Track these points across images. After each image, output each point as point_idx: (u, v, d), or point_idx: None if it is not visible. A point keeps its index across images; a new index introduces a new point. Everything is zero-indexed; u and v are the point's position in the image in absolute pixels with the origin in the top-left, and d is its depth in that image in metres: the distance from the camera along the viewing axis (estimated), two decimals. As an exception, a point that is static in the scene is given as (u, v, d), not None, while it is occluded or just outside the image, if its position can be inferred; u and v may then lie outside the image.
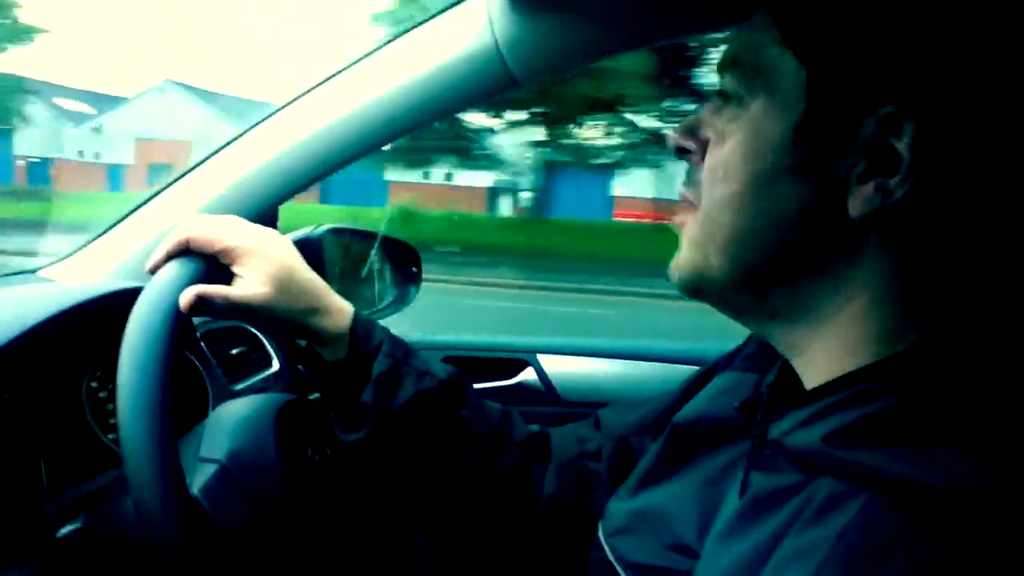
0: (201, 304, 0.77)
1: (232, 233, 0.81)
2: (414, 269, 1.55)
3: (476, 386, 1.49)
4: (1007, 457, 0.51)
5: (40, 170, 28.68)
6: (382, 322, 1.42)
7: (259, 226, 0.85)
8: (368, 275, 1.52)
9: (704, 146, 0.66)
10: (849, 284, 0.59)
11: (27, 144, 28.03)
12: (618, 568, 0.72)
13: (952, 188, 0.56)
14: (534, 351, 1.49)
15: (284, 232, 1.39)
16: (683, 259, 0.66)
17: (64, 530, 0.76)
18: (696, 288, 0.66)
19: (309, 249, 1.40)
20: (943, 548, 0.47)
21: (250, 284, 0.80)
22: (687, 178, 0.68)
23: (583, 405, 1.39)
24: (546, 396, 1.49)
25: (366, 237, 1.51)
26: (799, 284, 0.61)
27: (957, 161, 0.55)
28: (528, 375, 1.50)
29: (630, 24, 0.96)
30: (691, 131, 0.68)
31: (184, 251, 0.80)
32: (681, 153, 0.68)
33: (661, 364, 1.46)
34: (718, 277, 0.64)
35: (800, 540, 0.52)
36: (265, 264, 0.81)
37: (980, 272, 0.59)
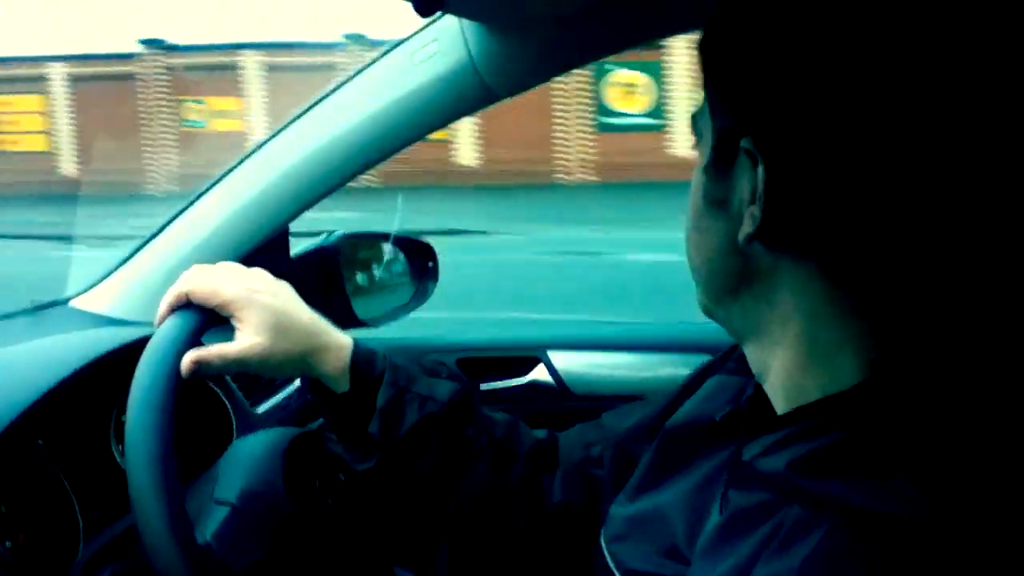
0: (200, 368, 0.81)
1: (227, 285, 0.85)
2: (431, 264, 1.58)
3: (488, 386, 1.54)
4: (955, 485, 0.53)
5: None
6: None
7: (255, 271, 0.88)
8: (385, 276, 1.56)
9: None
10: (780, 306, 0.63)
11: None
12: (617, 574, 0.75)
13: (809, 207, 0.59)
14: (545, 346, 1.52)
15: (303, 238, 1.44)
16: None
17: None
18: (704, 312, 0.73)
19: (325, 257, 1.44)
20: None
21: (245, 337, 0.84)
22: None
23: (595, 399, 1.42)
24: (558, 392, 1.52)
25: (380, 238, 1.54)
26: (743, 307, 0.67)
27: (803, 186, 0.59)
28: (540, 372, 1.53)
29: (601, 32, 0.97)
30: None
31: (185, 304, 0.84)
32: None
33: (673, 354, 1.47)
34: (700, 300, 0.71)
35: (768, 568, 0.54)
36: (259, 314, 0.84)
37: (923, 300, 0.60)
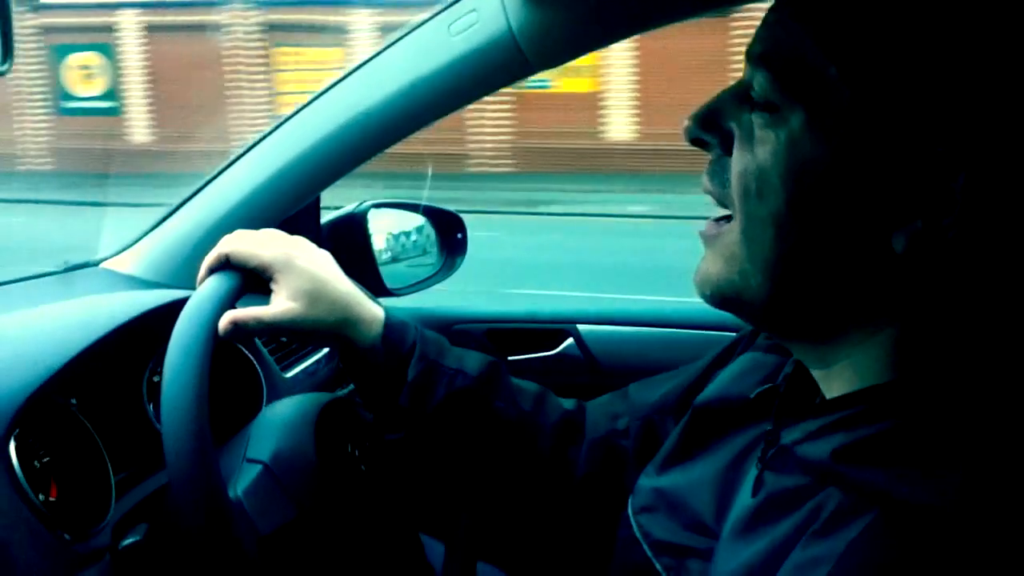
0: (236, 329, 0.82)
1: (266, 249, 0.85)
2: (459, 236, 1.58)
3: (518, 358, 1.54)
4: (1002, 478, 0.52)
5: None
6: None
7: (297, 239, 0.89)
8: (414, 246, 1.56)
9: (726, 138, 0.63)
10: (886, 314, 0.59)
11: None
12: (643, 545, 0.74)
13: (997, 231, 0.55)
14: (575, 321, 1.52)
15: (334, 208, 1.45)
16: (715, 272, 0.64)
17: (126, 541, 0.82)
18: (728, 303, 0.64)
19: (353, 226, 1.45)
20: (941, 568, 0.49)
21: (280, 301, 0.84)
22: (711, 170, 0.65)
23: (624, 373, 1.41)
24: (587, 366, 1.51)
25: (410, 208, 1.54)
26: (836, 310, 0.60)
27: (1005, 205, 0.54)
28: (570, 345, 1.53)
29: (643, 5, 0.95)
30: (710, 122, 0.64)
31: (224, 265, 0.85)
32: (699, 144, 0.65)
33: (701, 331, 1.46)
34: (756, 297, 0.62)
35: (808, 551, 0.54)
36: (296, 279, 0.84)
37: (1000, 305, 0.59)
